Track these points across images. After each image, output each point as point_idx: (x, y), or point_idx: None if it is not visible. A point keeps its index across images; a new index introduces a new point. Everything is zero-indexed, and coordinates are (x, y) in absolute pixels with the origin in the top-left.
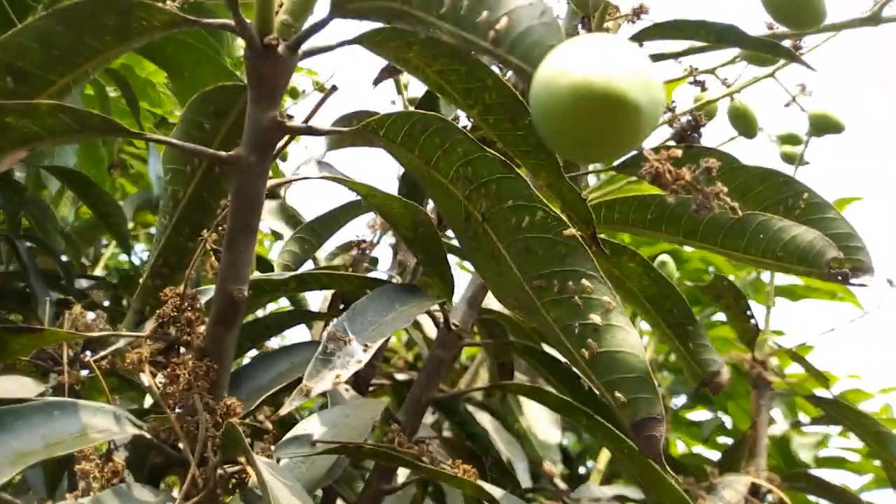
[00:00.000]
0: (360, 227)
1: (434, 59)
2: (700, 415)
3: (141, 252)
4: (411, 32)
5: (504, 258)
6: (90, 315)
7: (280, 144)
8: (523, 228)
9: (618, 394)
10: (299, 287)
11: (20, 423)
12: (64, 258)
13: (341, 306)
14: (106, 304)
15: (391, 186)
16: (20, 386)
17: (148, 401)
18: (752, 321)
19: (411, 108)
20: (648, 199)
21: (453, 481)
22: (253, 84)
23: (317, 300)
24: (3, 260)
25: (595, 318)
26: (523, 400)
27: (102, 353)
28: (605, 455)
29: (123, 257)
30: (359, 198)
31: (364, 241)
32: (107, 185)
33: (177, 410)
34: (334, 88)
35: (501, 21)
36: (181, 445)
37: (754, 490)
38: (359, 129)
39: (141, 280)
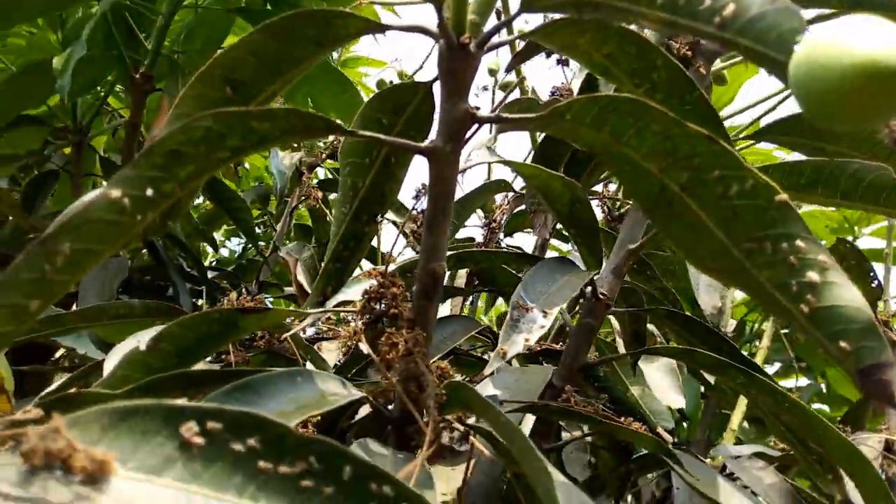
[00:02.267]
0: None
1: (604, 42)
2: (792, 382)
3: (236, 245)
4: (586, 21)
5: (705, 226)
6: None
7: (468, 134)
8: (730, 197)
9: (842, 343)
10: (457, 265)
11: (272, 389)
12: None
13: (476, 283)
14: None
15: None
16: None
17: None
18: (876, 282)
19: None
20: (803, 164)
21: (631, 434)
22: (447, 80)
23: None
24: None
25: (813, 276)
26: (644, 367)
27: (294, 330)
28: (737, 417)
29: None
30: (493, 181)
31: (494, 222)
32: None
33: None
34: (522, 80)
35: (728, 8)
36: (390, 407)
37: (888, 447)
38: (546, 115)
39: (322, 264)
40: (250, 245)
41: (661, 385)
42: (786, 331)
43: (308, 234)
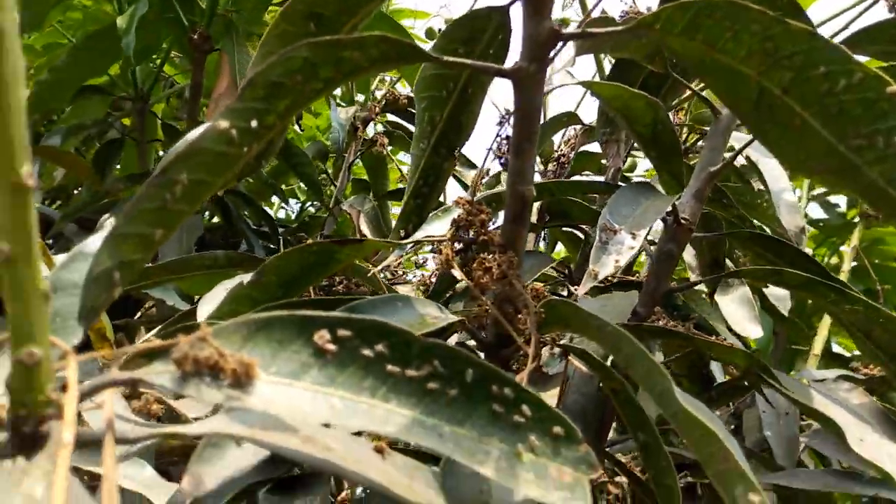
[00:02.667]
0: None
1: None
2: None
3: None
4: None
5: (809, 126)
6: None
7: (552, 53)
8: (836, 93)
9: None
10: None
11: (377, 312)
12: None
13: (547, 218)
14: None
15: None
16: None
17: None
18: None
19: None
20: None
21: (726, 351)
22: (529, 1)
23: None
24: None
25: None
26: (718, 299)
27: (374, 269)
28: (819, 343)
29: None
30: (561, 113)
31: (564, 156)
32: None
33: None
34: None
35: None
36: (484, 334)
37: None
38: (634, 27)
39: (402, 201)
40: (309, 205)
41: (737, 316)
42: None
43: (366, 188)
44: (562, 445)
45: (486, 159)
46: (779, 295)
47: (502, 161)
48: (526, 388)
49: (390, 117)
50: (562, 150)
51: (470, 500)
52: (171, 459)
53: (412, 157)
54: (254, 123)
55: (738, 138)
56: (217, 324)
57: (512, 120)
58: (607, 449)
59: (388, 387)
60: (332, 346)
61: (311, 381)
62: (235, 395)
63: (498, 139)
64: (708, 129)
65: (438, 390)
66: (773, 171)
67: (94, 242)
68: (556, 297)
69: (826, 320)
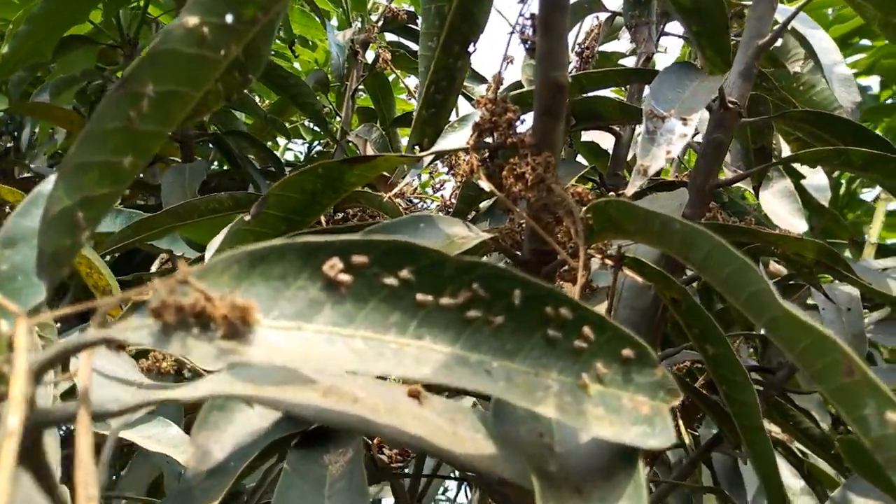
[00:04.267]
0: None
1: None
2: None
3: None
4: None
5: None
6: None
7: None
8: None
9: None
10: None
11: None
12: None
13: (573, 122)
14: None
15: None
16: None
17: None
18: None
19: None
20: None
21: (794, 244)
22: None
23: None
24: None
25: None
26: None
27: (400, 187)
28: (876, 228)
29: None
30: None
31: (588, 49)
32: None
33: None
34: None
35: None
36: (517, 252)
37: None
38: None
39: (414, 113)
40: (316, 144)
41: (781, 210)
42: None
43: (372, 117)
44: (633, 370)
45: (507, 45)
46: (818, 185)
47: (528, 46)
48: (586, 306)
49: (391, 39)
50: (585, 44)
51: (529, 445)
52: None
53: (420, 60)
54: (229, 18)
55: (781, 10)
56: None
57: None
58: None
59: (420, 320)
60: (346, 277)
61: (324, 322)
62: (230, 347)
63: (521, 18)
64: (747, 2)
65: (481, 319)
66: (822, 43)
67: (52, 180)
68: (604, 199)
69: (881, 209)
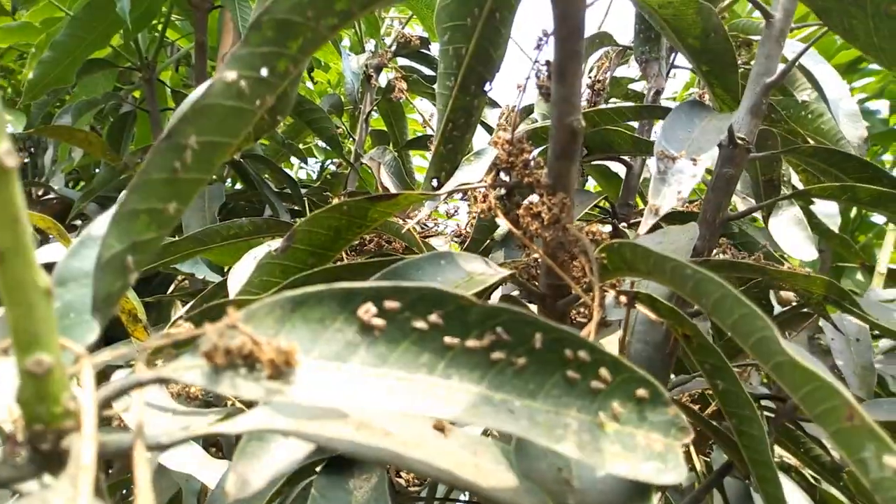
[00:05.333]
0: None
1: None
2: None
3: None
4: None
5: None
6: None
7: None
8: None
9: None
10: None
11: (420, 274)
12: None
13: (585, 152)
14: None
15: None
16: None
17: None
18: None
19: None
20: None
21: (802, 280)
22: None
23: None
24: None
25: None
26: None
27: (416, 219)
28: (884, 256)
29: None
30: (595, 33)
31: (599, 82)
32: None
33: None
34: None
35: None
36: (533, 284)
37: None
38: None
39: (432, 148)
40: (329, 162)
41: (791, 239)
42: None
43: (385, 139)
44: (647, 409)
45: (524, 88)
46: (828, 212)
47: (542, 91)
48: (602, 348)
49: (403, 63)
50: (596, 77)
51: (549, 481)
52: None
53: (438, 98)
54: (264, 71)
55: (788, 44)
56: (247, 302)
57: (551, 40)
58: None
59: (448, 361)
60: (379, 321)
61: (359, 362)
62: (276, 387)
63: (536, 65)
64: (754, 38)
65: (504, 360)
66: (828, 77)
67: (101, 224)
68: (618, 240)
69: (890, 238)
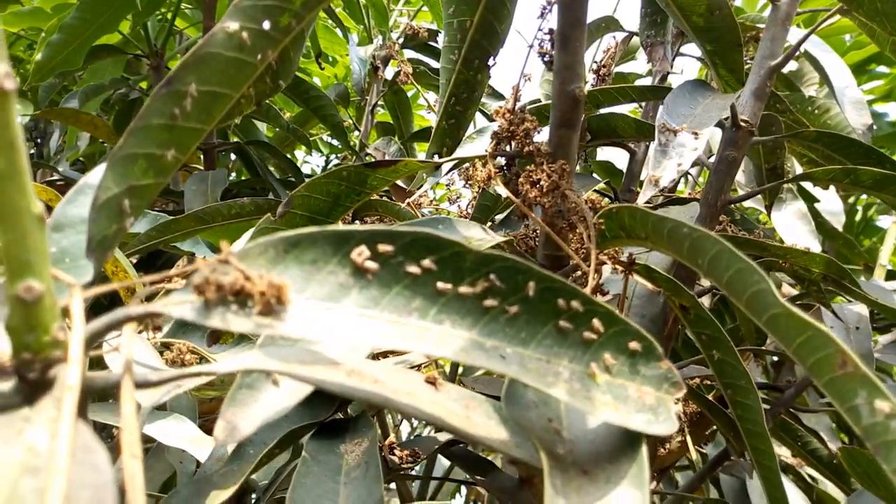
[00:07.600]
0: None
1: None
2: None
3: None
4: None
5: None
6: None
7: None
8: None
9: None
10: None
11: None
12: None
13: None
14: None
15: None
16: None
17: None
18: None
19: None
20: None
21: (802, 257)
22: None
23: None
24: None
25: None
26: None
27: (417, 195)
28: (886, 251)
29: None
30: (600, 17)
31: (604, 67)
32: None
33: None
34: None
35: None
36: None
37: None
38: None
39: (434, 124)
40: (334, 157)
41: (795, 231)
42: None
43: (390, 131)
44: (640, 363)
45: (526, 59)
46: (833, 210)
47: (545, 59)
48: (597, 300)
49: (411, 56)
50: (602, 62)
51: (538, 429)
52: (214, 417)
53: (441, 73)
54: (266, 24)
55: (796, 34)
56: None
57: (555, 8)
58: None
59: (440, 307)
60: (372, 265)
61: (351, 304)
62: (266, 322)
63: (540, 33)
64: (759, 25)
65: (497, 308)
66: (834, 66)
67: (99, 171)
68: (617, 205)
69: (893, 231)
